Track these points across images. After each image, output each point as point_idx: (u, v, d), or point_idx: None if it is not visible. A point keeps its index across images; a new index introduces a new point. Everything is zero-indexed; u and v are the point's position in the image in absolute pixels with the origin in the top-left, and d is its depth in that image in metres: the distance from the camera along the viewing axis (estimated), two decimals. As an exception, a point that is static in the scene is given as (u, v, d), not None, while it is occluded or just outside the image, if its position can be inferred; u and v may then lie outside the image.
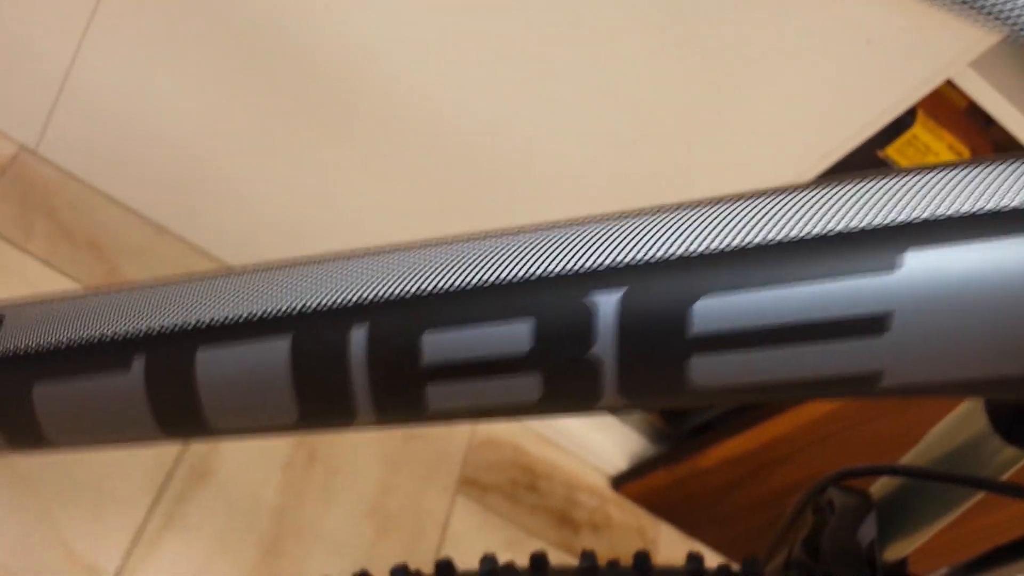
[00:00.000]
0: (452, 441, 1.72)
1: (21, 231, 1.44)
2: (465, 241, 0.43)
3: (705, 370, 0.39)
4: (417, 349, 0.41)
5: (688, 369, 0.39)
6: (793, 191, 0.39)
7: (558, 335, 0.40)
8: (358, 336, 0.42)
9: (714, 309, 0.38)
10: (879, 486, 0.65)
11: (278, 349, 0.43)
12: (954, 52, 1.15)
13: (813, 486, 0.65)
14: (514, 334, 0.40)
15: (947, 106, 1.39)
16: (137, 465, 1.36)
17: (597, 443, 1.89)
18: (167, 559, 1.33)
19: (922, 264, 0.35)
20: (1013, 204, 0.35)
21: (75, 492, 1.29)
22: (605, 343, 0.39)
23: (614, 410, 0.42)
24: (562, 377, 0.40)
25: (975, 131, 1.37)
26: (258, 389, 0.44)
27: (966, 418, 0.59)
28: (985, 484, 0.57)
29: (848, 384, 0.38)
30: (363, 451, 1.59)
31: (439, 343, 0.41)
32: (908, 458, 0.61)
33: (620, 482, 1.88)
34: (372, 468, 1.59)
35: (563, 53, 1.23)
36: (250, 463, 1.47)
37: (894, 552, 0.65)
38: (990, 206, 0.35)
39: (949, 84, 1.24)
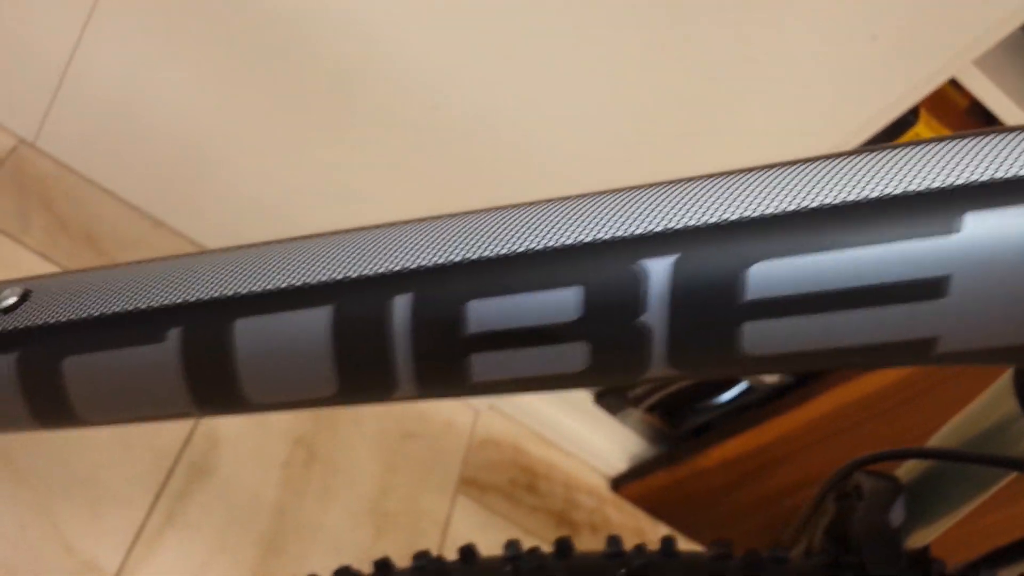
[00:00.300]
0: (451, 441, 1.72)
1: (18, 223, 1.43)
2: (511, 210, 0.43)
3: (757, 337, 0.38)
4: (462, 318, 0.41)
5: (740, 336, 0.38)
6: (849, 156, 0.38)
7: (607, 303, 0.39)
8: (401, 305, 0.42)
9: (770, 274, 0.37)
10: (904, 471, 0.64)
11: (319, 319, 0.43)
12: (958, 50, 1.16)
13: (837, 471, 0.65)
14: (562, 302, 0.40)
15: (949, 105, 1.39)
16: (136, 463, 1.36)
17: (596, 444, 1.89)
18: (168, 557, 1.32)
19: (981, 227, 0.35)
20: None
21: (74, 488, 1.29)
22: (655, 311, 0.39)
23: (660, 380, 0.42)
24: (610, 346, 0.40)
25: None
26: (298, 360, 0.44)
27: (995, 400, 0.59)
28: (1015, 463, 0.57)
29: (903, 351, 0.38)
30: (362, 450, 1.59)
31: (485, 311, 0.41)
32: (935, 441, 0.61)
33: (619, 483, 1.88)
34: (371, 467, 1.58)
35: (574, 38, 1.23)
36: (250, 461, 1.47)
37: (917, 540, 0.65)
38: None
39: (950, 84, 1.24)
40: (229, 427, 1.47)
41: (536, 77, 1.27)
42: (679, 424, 1.90)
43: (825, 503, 0.67)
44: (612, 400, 1.92)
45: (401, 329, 0.42)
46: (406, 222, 0.45)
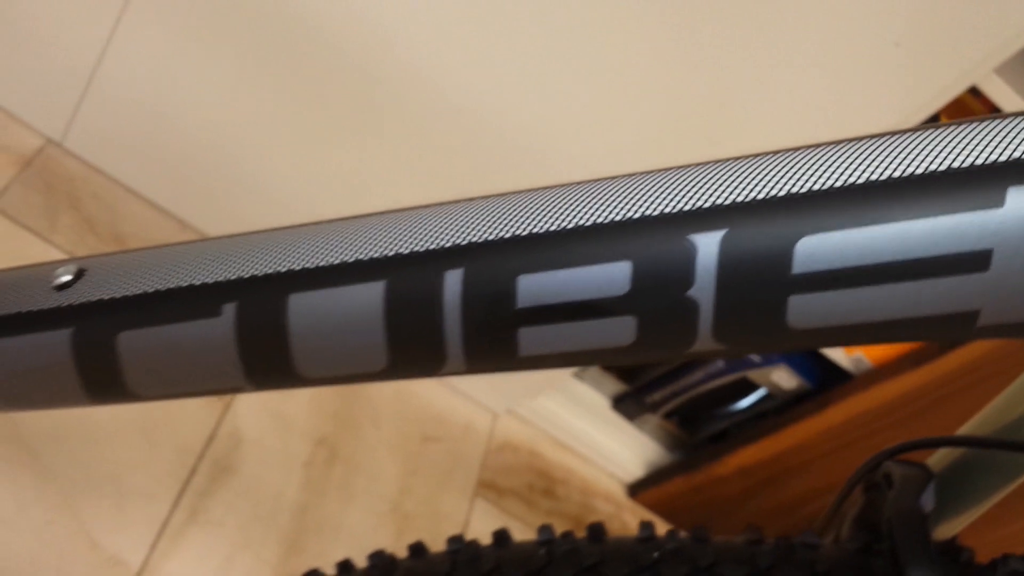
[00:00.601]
0: (470, 444, 1.73)
1: (46, 222, 1.45)
2: (560, 188, 0.44)
3: (803, 311, 0.39)
4: (512, 291, 0.42)
5: (786, 310, 0.39)
6: (893, 135, 0.39)
7: (655, 277, 0.40)
8: (453, 279, 0.43)
9: (816, 248, 0.38)
10: (934, 461, 0.65)
11: (372, 293, 0.44)
12: (979, 57, 1.17)
13: (868, 460, 0.66)
14: (611, 276, 0.41)
15: (969, 114, 1.40)
16: (161, 460, 1.37)
17: (614, 450, 1.90)
18: (191, 553, 1.34)
19: (1022, 200, 0.36)
20: None
21: (99, 485, 1.30)
22: (703, 284, 0.40)
23: (706, 355, 0.43)
24: (657, 320, 0.41)
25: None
26: (349, 334, 0.45)
27: (1021, 392, 0.60)
28: None
29: (945, 324, 0.38)
30: (383, 452, 1.60)
31: (535, 286, 0.42)
32: (965, 430, 0.62)
33: (636, 489, 1.89)
34: (392, 469, 1.59)
35: (595, 34, 1.24)
36: (273, 461, 1.48)
37: (946, 529, 0.66)
38: None
39: (970, 92, 1.25)
40: (252, 427, 1.49)
41: (557, 75, 1.28)
42: (696, 431, 1.92)
43: (854, 493, 0.68)
44: (630, 406, 1.94)
45: (452, 303, 0.43)
46: (457, 201, 0.46)
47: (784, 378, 1.78)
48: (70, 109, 1.49)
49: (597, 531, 0.66)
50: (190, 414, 1.44)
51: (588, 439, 1.89)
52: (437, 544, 0.70)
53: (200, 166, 1.52)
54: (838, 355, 1.69)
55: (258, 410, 1.51)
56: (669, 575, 0.63)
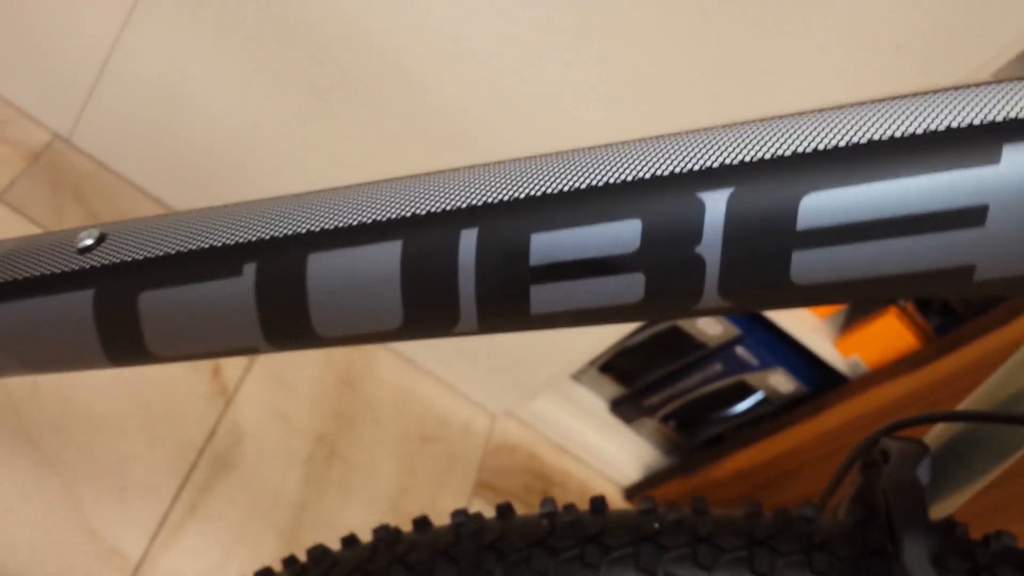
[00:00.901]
0: (469, 445, 1.75)
1: (53, 216, 1.46)
2: (573, 152, 0.45)
3: (806, 267, 0.41)
4: (525, 249, 0.44)
5: (790, 265, 0.41)
6: (896, 99, 0.41)
7: (665, 234, 0.42)
8: (468, 238, 0.44)
9: (820, 204, 0.40)
10: (930, 439, 0.66)
11: (389, 252, 0.46)
12: (980, 62, 1.19)
13: (866, 439, 0.67)
14: (621, 234, 0.42)
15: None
16: (161, 454, 1.39)
17: (610, 453, 1.91)
18: (189, 546, 1.35)
19: (1018, 159, 0.38)
20: None
21: (100, 477, 1.31)
22: (710, 241, 0.41)
23: (710, 313, 0.44)
24: (665, 277, 0.42)
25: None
26: (366, 293, 0.47)
27: (1018, 367, 0.61)
28: None
29: (943, 278, 0.40)
30: (382, 451, 1.62)
31: (547, 243, 0.43)
32: (962, 407, 0.64)
33: (633, 492, 1.90)
34: (390, 467, 1.61)
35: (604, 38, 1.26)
36: (272, 457, 1.50)
37: (943, 507, 0.67)
38: None
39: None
40: (252, 423, 1.50)
41: (563, 75, 1.30)
42: (693, 434, 1.93)
43: (852, 473, 0.69)
44: (627, 409, 1.96)
45: (467, 261, 0.45)
46: (473, 166, 0.47)
47: (781, 382, 1.80)
48: (78, 105, 1.50)
49: (599, 504, 0.68)
50: (191, 409, 1.45)
51: (586, 442, 1.90)
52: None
53: (207, 164, 1.53)
54: (834, 359, 1.71)
55: (259, 407, 1.53)
56: (669, 545, 0.65)
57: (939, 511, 0.67)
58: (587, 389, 1.97)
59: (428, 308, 0.47)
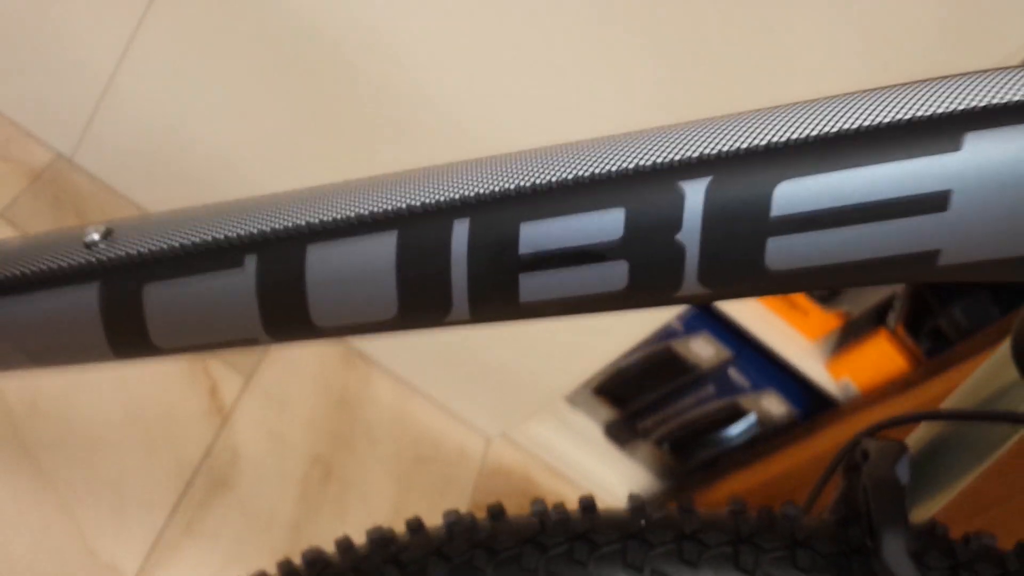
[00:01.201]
0: (463, 467, 1.76)
1: (53, 235, 1.48)
2: (560, 146, 0.48)
3: (780, 253, 0.43)
4: (515, 238, 0.46)
5: (765, 252, 0.43)
6: (865, 92, 0.44)
7: (647, 222, 0.44)
8: (460, 229, 0.47)
9: (793, 192, 0.42)
10: (910, 441, 0.68)
11: (385, 243, 0.48)
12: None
13: (848, 442, 0.69)
14: (605, 222, 0.44)
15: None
16: (158, 471, 1.40)
17: (605, 477, 1.93)
18: (185, 564, 1.36)
19: (979, 145, 0.40)
20: None
21: (97, 492, 1.33)
22: (690, 229, 0.43)
23: (691, 301, 0.46)
24: (647, 264, 0.45)
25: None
26: (363, 283, 0.49)
27: (996, 367, 0.63)
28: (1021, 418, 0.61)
29: (910, 263, 0.42)
30: (377, 471, 1.63)
31: (536, 232, 0.45)
32: (943, 407, 0.66)
33: (626, 516, 1.90)
34: (385, 488, 1.62)
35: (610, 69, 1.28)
36: (268, 476, 1.51)
37: (922, 512, 0.69)
38: None
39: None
40: (249, 443, 1.52)
41: (562, 96, 1.32)
42: (687, 458, 1.94)
43: (836, 478, 0.71)
44: (621, 433, 1.97)
45: (459, 251, 0.47)
46: (465, 161, 0.50)
47: (773, 404, 1.82)
48: (81, 125, 1.52)
49: (588, 504, 0.70)
50: (189, 428, 1.47)
51: (580, 465, 1.92)
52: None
53: (207, 186, 1.55)
54: (826, 381, 1.73)
55: (255, 426, 1.54)
56: (655, 541, 0.67)
57: (922, 513, 0.69)
58: (581, 412, 1.99)
59: (422, 298, 0.49)
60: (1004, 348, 0.62)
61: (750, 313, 1.74)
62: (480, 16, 1.27)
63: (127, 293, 0.53)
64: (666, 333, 1.80)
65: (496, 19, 1.27)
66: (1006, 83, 0.41)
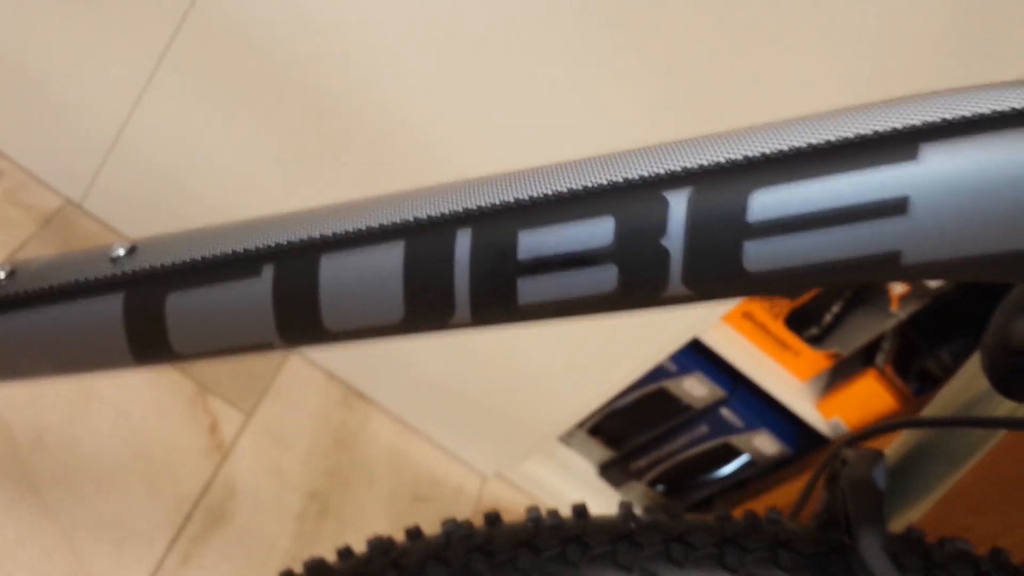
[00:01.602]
0: (460, 506, 1.79)
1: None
2: (555, 165, 0.52)
3: (757, 255, 0.47)
4: (513, 245, 0.50)
5: (743, 254, 0.47)
6: (834, 112, 0.48)
7: (635, 229, 0.48)
8: (463, 238, 0.51)
9: (767, 199, 0.47)
10: (889, 452, 0.72)
11: (393, 252, 0.52)
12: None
13: (830, 454, 0.73)
14: (598, 229, 0.49)
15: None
16: (158, 504, 1.43)
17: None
18: (183, 596, 1.39)
19: (934, 156, 0.45)
20: (1003, 109, 0.45)
21: (98, 525, 1.35)
22: (674, 234, 0.48)
23: (675, 302, 0.51)
24: (635, 268, 0.49)
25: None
26: (372, 289, 0.53)
27: (968, 378, 0.68)
28: (1000, 422, 0.66)
29: (875, 264, 0.47)
30: (374, 509, 1.66)
31: (533, 240, 0.50)
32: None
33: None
34: (382, 526, 1.64)
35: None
36: (266, 511, 1.54)
37: (902, 520, 0.73)
38: (985, 110, 0.45)
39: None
40: (247, 478, 1.55)
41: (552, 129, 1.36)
42: (681, 498, 1.97)
43: (818, 490, 0.74)
44: (615, 474, 2.01)
45: (462, 258, 0.51)
46: (468, 179, 0.54)
47: (765, 443, 1.85)
48: (91, 172, 1.56)
49: (581, 510, 0.74)
50: (189, 463, 1.50)
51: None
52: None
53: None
54: (816, 420, 1.77)
55: (254, 462, 1.57)
56: (645, 543, 0.70)
57: (903, 519, 0.73)
58: (576, 452, 2.02)
59: (427, 302, 0.53)
60: (976, 360, 0.66)
61: (743, 353, 1.77)
62: (465, 45, 1.31)
63: (150, 302, 0.57)
64: (659, 373, 1.83)
65: (479, 47, 1.31)
66: (958, 101, 0.46)
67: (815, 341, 1.83)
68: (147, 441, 1.47)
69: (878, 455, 0.69)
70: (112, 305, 0.58)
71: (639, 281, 0.50)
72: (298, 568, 0.80)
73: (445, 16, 1.29)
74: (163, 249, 0.58)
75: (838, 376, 1.86)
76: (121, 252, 0.59)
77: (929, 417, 0.70)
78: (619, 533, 0.71)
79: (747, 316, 1.80)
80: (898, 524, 0.74)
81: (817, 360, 1.83)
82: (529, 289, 0.51)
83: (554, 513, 0.74)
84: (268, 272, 0.55)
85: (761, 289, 0.50)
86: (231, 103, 1.44)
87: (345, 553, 0.79)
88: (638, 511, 0.73)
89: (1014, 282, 0.58)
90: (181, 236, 0.59)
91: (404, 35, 1.32)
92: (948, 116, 0.45)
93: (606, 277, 0.50)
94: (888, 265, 0.47)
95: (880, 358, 1.81)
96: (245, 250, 0.56)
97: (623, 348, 1.62)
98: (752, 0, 1.19)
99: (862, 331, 1.80)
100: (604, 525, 0.72)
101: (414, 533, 0.77)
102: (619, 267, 0.49)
